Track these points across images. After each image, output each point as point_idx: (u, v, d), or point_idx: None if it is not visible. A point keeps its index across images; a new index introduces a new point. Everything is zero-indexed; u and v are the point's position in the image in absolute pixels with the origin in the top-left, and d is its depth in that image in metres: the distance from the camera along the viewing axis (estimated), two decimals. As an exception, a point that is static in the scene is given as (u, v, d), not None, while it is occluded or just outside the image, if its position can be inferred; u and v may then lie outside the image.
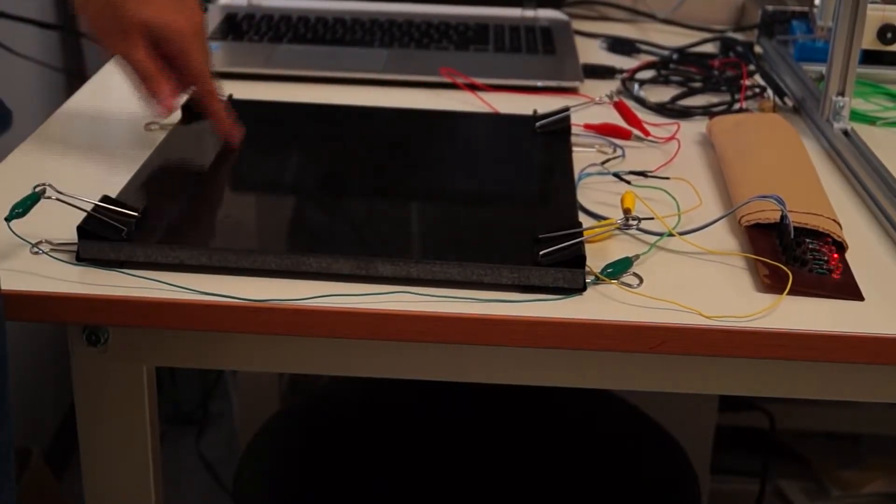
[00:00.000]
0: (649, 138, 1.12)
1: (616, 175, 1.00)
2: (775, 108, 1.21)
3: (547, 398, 1.28)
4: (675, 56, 1.37)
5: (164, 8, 0.96)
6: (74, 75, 1.78)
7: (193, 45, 0.98)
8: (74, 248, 0.84)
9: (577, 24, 1.51)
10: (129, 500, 0.91)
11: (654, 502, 1.17)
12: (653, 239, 0.90)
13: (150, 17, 0.95)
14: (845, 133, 1.10)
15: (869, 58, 1.23)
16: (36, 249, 0.84)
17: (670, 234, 0.90)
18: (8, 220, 0.84)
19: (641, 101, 1.22)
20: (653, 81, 1.30)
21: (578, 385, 0.89)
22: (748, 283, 0.85)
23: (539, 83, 1.26)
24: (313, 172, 1.03)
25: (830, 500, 1.74)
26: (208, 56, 1.00)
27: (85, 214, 0.84)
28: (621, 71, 1.32)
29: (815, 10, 1.18)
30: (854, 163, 1.05)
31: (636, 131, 1.12)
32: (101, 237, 0.83)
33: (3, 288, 0.78)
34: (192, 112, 1.09)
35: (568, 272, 0.81)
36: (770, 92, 1.24)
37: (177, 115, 1.09)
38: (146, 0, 0.95)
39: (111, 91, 1.24)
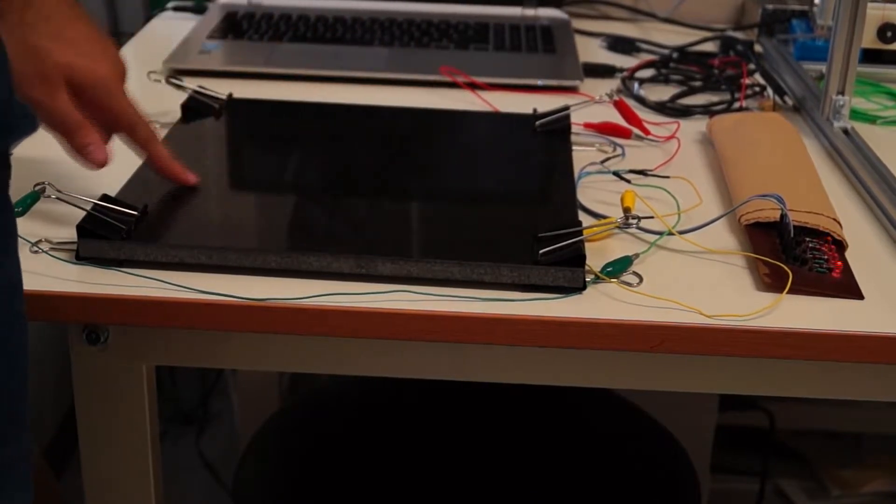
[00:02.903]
0: (649, 137, 1.12)
1: (616, 174, 1.00)
2: (775, 107, 1.21)
3: (547, 397, 1.28)
4: (675, 55, 1.37)
5: (88, 54, 0.88)
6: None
7: (121, 91, 0.90)
8: (74, 246, 0.84)
9: (578, 23, 1.51)
10: (129, 498, 0.91)
11: (654, 501, 1.17)
12: (653, 238, 0.90)
13: (73, 61, 0.87)
14: (845, 132, 1.10)
15: (869, 57, 1.23)
16: (35, 248, 0.84)
17: (670, 233, 0.90)
18: (8, 218, 0.84)
19: (641, 100, 1.22)
20: (653, 80, 1.30)
21: (578, 384, 0.89)
22: (748, 281, 0.85)
23: (539, 82, 1.26)
24: (313, 171, 1.03)
25: (830, 500, 1.74)
26: (135, 104, 0.92)
27: (84, 213, 0.84)
28: (621, 70, 1.32)
29: (815, 9, 1.18)
30: (854, 162, 1.04)
31: (636, 130, 1.12)
32: (100, 236, 0.83)
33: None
34: (192, 111, 1.09)
35: (568, 271, 0.81)
36: (770, 91, 1.24)
37: (177, 115, 1.09)
38: (69, 46, 0.87)
39: (111, 90, 1.24)
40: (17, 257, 0.70)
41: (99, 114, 0.89)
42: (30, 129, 0.82)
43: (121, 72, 0.91)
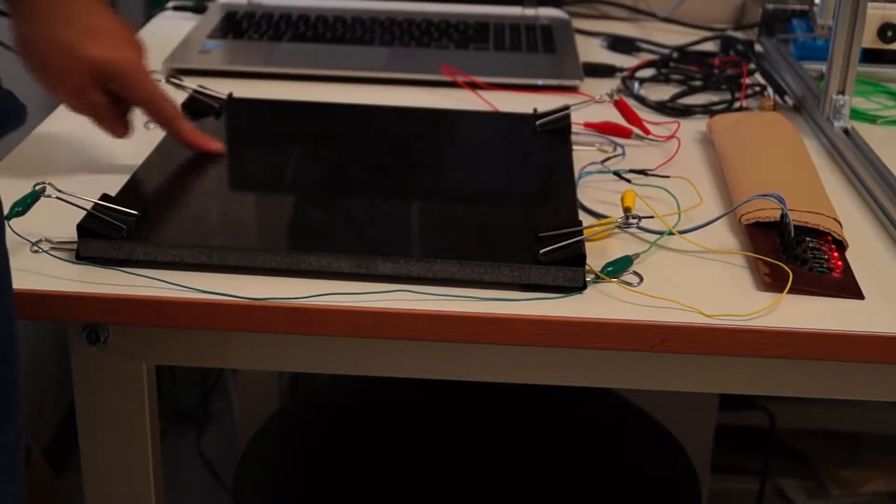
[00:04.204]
0: (649, 137, 1.12)
1: (616, 173, 1.00)
2: (776, 107, 1.21)
3: (547, 397, 1.27)
4: (675, 55, 1.37)
5: (114, 45, 0.93)
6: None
7: (146, 76, 0.95)
8: (74, 246, 0.84)
9: (578, 23, 1.51)
10: (129, 498, 0.91)
11: (654, 501, 1.17)
12: (653, 237, 0.90)
13: (102, 54, 0.91)
14: (846, 131, 1.10)
15: (869, 56, 1.23)
16: (36, 248, 0.84)
17: (670, 233, 0.90)
18: (8, 218, 0.84)
19: (642, 100, 1.22)
20: (653, 80, 1.30)
21: (578, 384, 0.89)
22: (748, 281, 0.85)
23: (539, 82, 1.26)
24: (313, 171, 1.03)
25: (830, 499, 1.74)
26: (158, 85, 0.97)
27: (85, 213, 0.84)
28: (622, 69, 1.32)
29: (816, 9, 1.18)
30: (854, 161, 1.04)
31: (636, 130, 1.12)
32: (100, 235, 0.83)
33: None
34: (192, 111, 1.09)
35: (568, 271, 0.81)
36: (770, 90, 1.24)
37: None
38: (96, 39, 0.92)
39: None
40: (4, 247, 0.69)
41: (127, 97, 0.95)
42: (17, 122, 0.82)
43: (143, 57, 0.96)
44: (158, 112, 0.97)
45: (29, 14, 0.91)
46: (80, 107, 0.96)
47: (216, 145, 1.00)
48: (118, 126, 0.97)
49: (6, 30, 0.94)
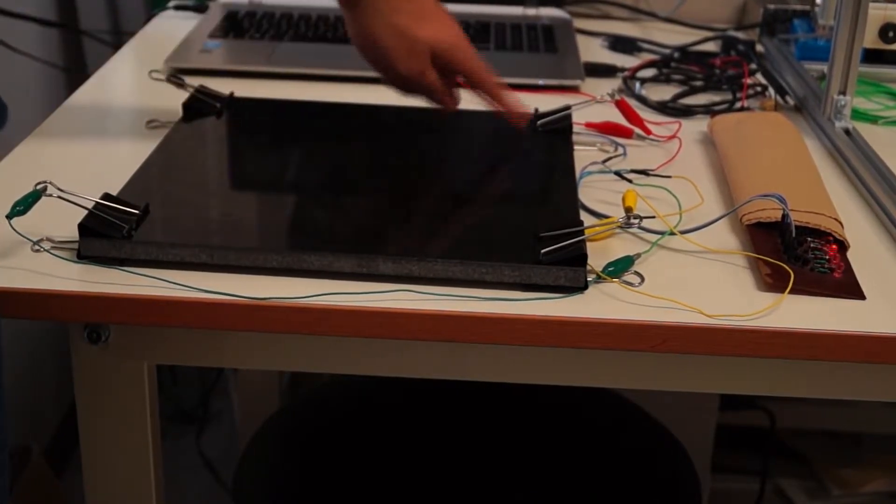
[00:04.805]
0: (651, 137, 1.12)
1: (617, 173, 1.00)
2: (777, 107, 1.21)
3: (547, 397, 1.27)
4: (676, 55, 1.37)
5: (441, 27, 1.02)
6: (75, 73, 1.78)
7: (471, 52, 1.03)
8: (75, 245, 0.84)
9: (579, 23, 1.51)
10: (130, 497, 0.91)
11: (654, 501, 1.17)
12: (654, 237, 0.90)
13: (433, 35, 1.01)
14: (847, 132, 1.10)
15: (870, 56, 1.24)
16: (37, 247, 0.84)
17: (672, 233, 0.90)
18: (9, 217, 0.84)
19: (643, 100, 1.22)
20: (654, 80, 1.30)
21: (579, 384, 0.89)
22: (750, 281, 0.85)
23: (540, 81, 1.26)
24: (314, 170, 1.03)
25: (831, 499, 1.74)
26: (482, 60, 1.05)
27: (86, 212, 0.84)
28: (623, 69, 1.32)
29: (817, 9, 1.18)
30: (855, 162, 1.04)
31: (638, 130, 1.12)
32: (102, 235, 0.83)
33: (4, 286, 0.78)
34: (193, 110, 1.09)
35: (569, 270, 0.81)
36: (772, 91, 1.24)
37: (178, 114, 1.09)
38: (426, 22, 1.01)
39: (112, 89, 1.24)
40: None
41: (456, 71, 1.04)
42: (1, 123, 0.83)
43: (462, 32, 1.04)
44: (483, 83, 1.05)
45: (368, 6, 1.00)
46: (417, 86, 1.04)
47: (525, 118, 1.07)
48: (450, 99, 1.06)
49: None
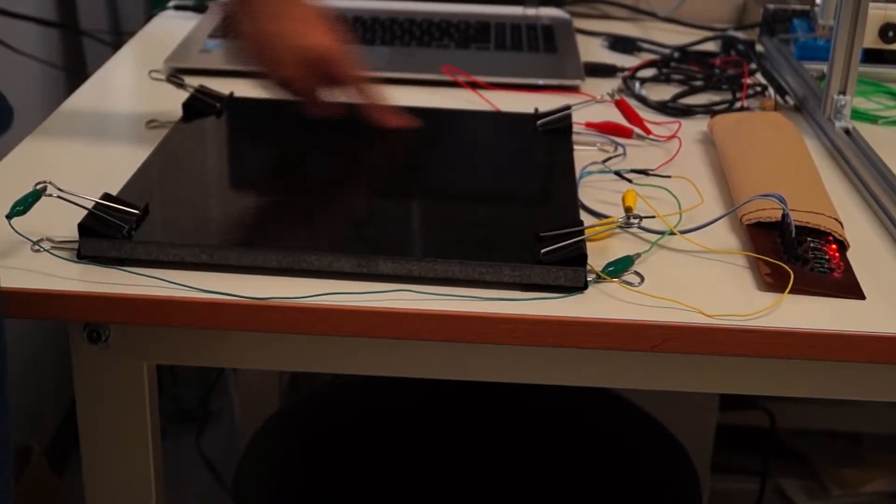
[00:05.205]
0: (651, 137, 1.12)
1: (617, 173, 1.00)
2: (777, 107, 1.21)
3: (547, 397, 1.27)
4: (676, 54, 1.37)
5: (318, 32, 1.01)
6: (75, 73, 1.78)
7: (349, 58, 1.03)
8: (75, 245, 0.84)
9: (579, 23, 1.51)
10: (130, 497, 0.91)
11: (654, 501, 1.17)
12: (654, 237, 0.90)
13: (310, 41, 1.00)
14: (847, 132, 1.10)
15: (870, 56, 1.23)
16: (37, 247, 0.84)
17: (672, 233, 0.90)
18: (9, 217, 0.84)
19: (643, 100, 1.22)
20: (654, 80, 1.30)
21: (579, 384, 0.89)
22: (750, 281, 0.85)
23: (540, 81, 1.26)
24: (314, 170, 1.03)
25: (831, 499, 1.74)
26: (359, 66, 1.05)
27: (86, 212, 0.84)
28: (623, 69, 1.32)
29: (817, 9, 1.18)
30: (855, 161, 1.04)
31: (637, 130, 1.12)
32: (102, 235, 0.83)
33: (4, 286, 0.78)
34: (193, 110, 1.09)
35: (569, 270, 0.81)
36: (771, 90, 1.24)
37: (178, 113, 1.09)
38: (303, 27, 1.01)
39: (112, 89, 1.24)
40: None
41: (334, 78, 1.03)
42: (4, 125, 0.83)
43: (344, 43, 1.03)
44: (362, 92, 1.05)
45: (254, 12, 1.00)
46: (293, 91, 1.04)
47: (407, 121, 1.07)
48: (327, 107, 1.05)
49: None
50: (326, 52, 1.01)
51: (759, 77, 1.29)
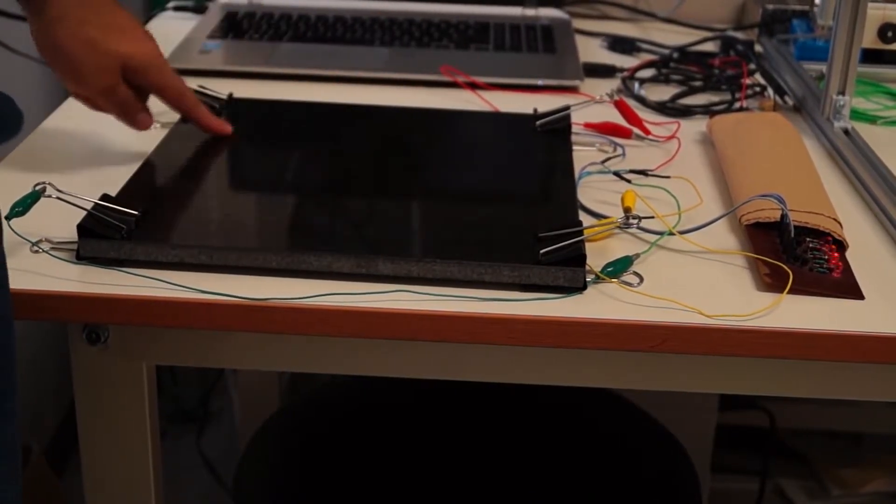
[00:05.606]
0: (650, 137, 1.12)
1: (616, 174, 1.00)
2: (776, 107, 1.21)
3: (547, 397, 1.27)
4: (675, 55, 1.37)
5: (135, 39, 0.98)
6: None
7: (167, 67, 1.00)
8: (74, 246, 0.84)
9: (578, 23, 1.51)
10: (130, 497, 0.91)
11: (654, 501, 1.17)
12: (653, 238, 0.90)
13: (126, 49, 0.96)
14: (846, 132, 1.10)
15: (869, 57, 1.23)
16: (36, 248, 0.84)
17: (671, 233, 0.90)
18: (8, 218, 0.84)
19: (642, 100, 1.22)
20: (653, 80, 1.30)
21: (579, 384, 0.89)
22: (749, 281, 0.85)
23: (539, 82, 1.26)
24: (314, 171, 1.03)
25: (831, 499, 1.74)
26: (177, 75, 1.02)
27: (85, 213, 0.84)
28: (622, 70, 1.32)
29: (816, 9, 1.18)
30: (854, 162, 1.04)
31: (637, 130, 1.12)
32: (101, 236, 0.83)
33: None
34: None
35: (568, 271, 0.81)
36: (770, 91, 1.24)
37: (177, 114, 1.09)
38: (118, 34, 0.96)
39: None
40: (2, 251, 0.70)
41: (150, 88, 1.00)
42: (14, 129, 0.83)
43: (159, 48, 1.00)
44: (179, 101, 1.02)
45: (56, 17, 0.95)
46: (107, 103, 0.99)
47: (227, 128, 1.05)
48: (142, 119, 1.01)
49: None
50: (145, 59, 0.98)
51: (759, 77, 1.29)
